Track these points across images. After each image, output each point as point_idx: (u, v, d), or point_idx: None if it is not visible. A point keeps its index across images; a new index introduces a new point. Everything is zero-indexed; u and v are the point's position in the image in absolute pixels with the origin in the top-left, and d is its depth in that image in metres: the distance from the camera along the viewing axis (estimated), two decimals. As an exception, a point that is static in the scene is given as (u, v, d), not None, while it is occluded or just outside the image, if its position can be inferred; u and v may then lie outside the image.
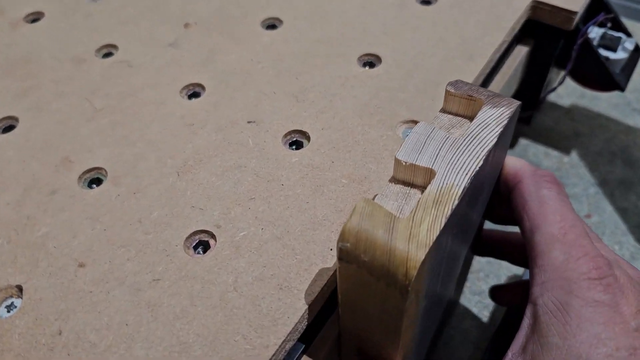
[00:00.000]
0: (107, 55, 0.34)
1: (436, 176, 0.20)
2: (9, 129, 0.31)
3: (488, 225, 0.31)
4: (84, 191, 0.27)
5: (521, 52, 0.38)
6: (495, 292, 0.33)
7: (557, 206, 0.23)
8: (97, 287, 0.24)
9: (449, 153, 0.21)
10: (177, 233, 0.25)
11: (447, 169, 0.20)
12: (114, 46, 0.35)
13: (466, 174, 0.20)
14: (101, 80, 0.32)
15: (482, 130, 0.22)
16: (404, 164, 0.21)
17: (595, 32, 0.40)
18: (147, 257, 0.25)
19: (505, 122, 0.22)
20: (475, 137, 0.21)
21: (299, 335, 0.23)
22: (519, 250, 0.30)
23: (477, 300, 0.38)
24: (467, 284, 0.39)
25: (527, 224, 0.24)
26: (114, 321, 0.23)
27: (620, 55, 0.40)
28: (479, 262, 0.40)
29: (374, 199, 0.21)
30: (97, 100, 0.31)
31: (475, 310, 0.38)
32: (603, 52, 0.40)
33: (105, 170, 0.28)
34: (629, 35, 0.40)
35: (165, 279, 0.24)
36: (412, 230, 0.19)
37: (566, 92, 0.50)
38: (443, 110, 0.24)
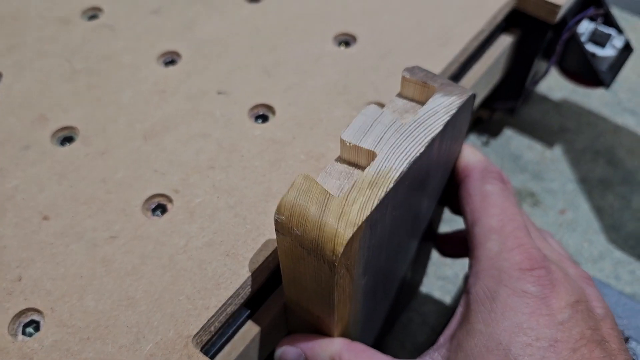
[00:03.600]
0: (92, 17, 0.35)
1: (376, 159, 0.21)
2: (-9, 83, 0.32)
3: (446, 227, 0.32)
4: (56, 148, 0.28)
5: (505, 41, 0.38)
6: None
7: (498, 200, 0.24)
8: (58, 239, 0.25)
9: (393, 137, 0.21)
10: (138, 194, 0.26)
11: (389, 152, 0.21)
12: (100, 9, 0.35)
13: (406, 159, 0.21)
14: (83, 43, 0.33)
15: (430, 117, 0.22)
16: (348, 144, 0.21)
17: (585, 27, 0.40)
18: (107, 215, 0.26)
19: (454, 111, 0.23)
20: (422, 123, 0.22)
21: (242, 300, 0.24)
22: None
23: (440, 284, 0.39)
24: (433, 268, 0.39)
25: (469, 217, 0.24)
26: (69, 272, 0.24)
27: (607, 52, 0.39)
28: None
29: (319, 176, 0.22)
30: (77, 61, 0.32)
31: (437, 294, 0.38)
32: (591, 48, 0.39)
33: (77, 129, 0.29)
34: (620, 32, 0.40)
35: (121, 237, 0.25)
36: (344, 208, 0.19)
37: (558, 85, 0.50)
38: (399, 95, 0.25)
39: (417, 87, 0.24)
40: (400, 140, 0.21)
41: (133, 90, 0.31)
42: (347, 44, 0.33)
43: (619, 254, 0.40)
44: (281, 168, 0.27)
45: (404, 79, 0.24)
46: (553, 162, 0.46)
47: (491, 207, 0.24)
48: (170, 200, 0.26)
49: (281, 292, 0.26)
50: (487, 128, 0.47)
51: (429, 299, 0.38)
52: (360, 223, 0.19)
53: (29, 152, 0.28)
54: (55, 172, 0.27)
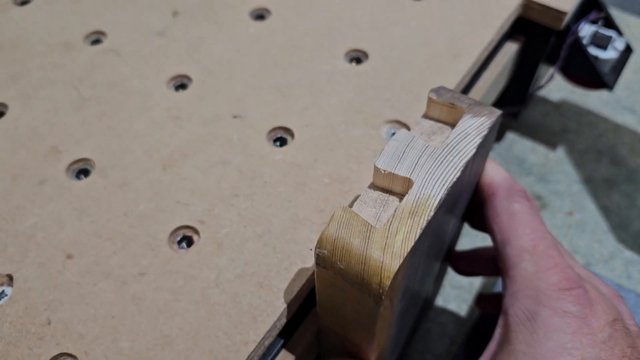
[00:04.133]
0: (96, 42, 0.34)
1: (413, 186, 0.21)
2: (-3, 115, 0.31)
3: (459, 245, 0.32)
4: (72, 182, 0.28)
5: (511, 49, 0.38)
6: (481, 301, 0.34)
7: (527, 219, 0.24)
8: (84, 278, 0.24)
9: (428, 163, 0.21)
10: (162, 227, 0.26)
11: (425, 179, 0.21)
12: (103, 33, 0.35)
13: (443, 185, 0.21)
14: (89, 69, 0.33)
15: (462, 140, 0.22)
16: (382, 172, 0.21)
17: (586, 30, 0.40)
18: (133, 250, 0.25)
19: (485, 132, 0.22)
20: (455, 147, 0.22)
21: (278, 331, 0.24)
22: (491, 263, 0.30)
23: (456, 294, 0.39)
24: (447, 278, 0.40)
25: (498, 237, 0.24)
26: (100, 313, 0.24)
27: (610, 54, 0.40)
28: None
29: (352, 204, 0.21)
30: (85, 89, 0.32)
31: (453, 304, 0.39)
32: (593, 51, 0.40)
33: (92, 162, 0.28)
34: (620, 34, 0.41)
35: (149, 273, 0.24)
36: (388, 240, 0.19)
37: (556, 87, 0.51)
38: (425, 116, 0.24)
39: (444, 108, 0.23)
40: (435, 166, 0.21)
41: (146, 117, 0.30)
42: (358, 60, 0.33)
43: (629, 254, 0.41)
44: (306, 193, 0.27)
45: (430, 100, 0.24)
46: (557, 163, 0.46)
47: (521, 227, 0.24)
48: (196, 231, 0.26)
49: (313, 319, 0.26)
50: (490, 132, 0.48)
51: (446, 309, 0.39)
52: (405, 254, 0.19)
53: (44, 187, 0.28)
54: (75, 208, 0.27)
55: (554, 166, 0.46)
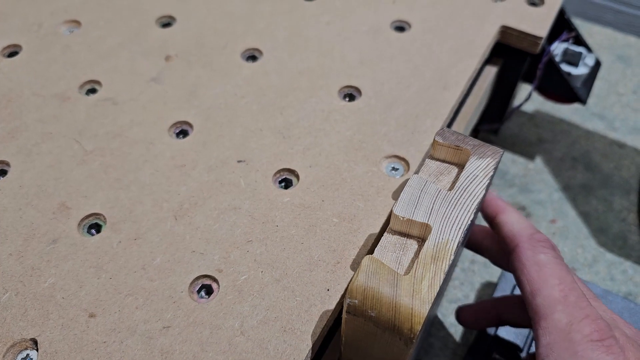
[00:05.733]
0: (91, 91, 0.35)
1: (432, 232, 0.22)
2: (0, 173, 0.31)
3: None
4: (85, 239, 0.28)
5: (490, 72, 0.40)
6: (460, 314, 0.35)
7: (555, 270, 0.25)
8: (109, 337, 0.25)
9: (442, 207, 0.23)
10: (181, 279, 0.27)
11: (442, 223, 0.22)
12: (97, 82, 0.35)
13: (459, 228, 0.22)
14: (88, 120, 0.33)
15: (471, 182, 0.24)
16: (401, 219, 0.23)
17: (557, 47, 0.43)
18: (155, 304, 0.26)
19: (492, 173, 0.24)
20: (465, 190, 0.23)
21: (303, 372, 0.25)
22: (497, 250, 0.32)
23: (453, 307, 0.41)
24: (444, 292, 0.41)
25: (527, 288, 0.26)
26: (127, 369, 0.24)
27: (581, 70, 0.42)
28: (454, 270, 0.42)
29: (372, 249, 0.23)
30: (86, 141, 0.32)
31: (452, 318, 0.40)
32: (565, 68, 0.42)
33: (103, 216, 0.29)
34: (589, 50, 0.43)
35: (174, 326, 0.25)
36: (415, 286, 0.21)
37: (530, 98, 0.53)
38: (431, 157, 0.26)
39: (450, 150, 0.25)
40: (449, 210, 0.23)
41: (151, 167, 0.31)
42: (351, 97, 0.34)
43: (610, 256, 0.43)
44: (317, 234, 0.28)
45: (436, 143, 0.25)
46: (537, 173, 0.48)
47: (550, 278, 0.25)
48: (214, 280, 0.27)
49: (331, 355, 0.27)
50: (472, 146, 0.50)
51: (446, 323, 0.40)
52: (432, 299, 0.20)
53: (58, 246, 0.28)
54: (91, 265, 0.27)
55: (534, 176, 0.48)
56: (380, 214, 0.28)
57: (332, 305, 0.25)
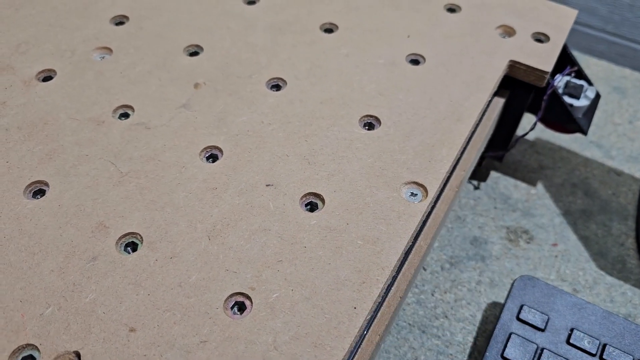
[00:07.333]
0: (124, 115, 0.36)
1: None
2: (38, 193, 0.32)
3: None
4: (123, 257, 0.30)
5: (498, 103, 0.42)
6: None
7: None
8: (150, 350, 0.27)
9: None
10: (216, 296, 0.28)
11: None
12: (130, 107, 0.37)
13: None
14: (122, 143, 0.35)
15: None
16: None
17: (559, 80, 0.45)
18: (192, 320, 0.27)
19: None
20: None
21: (332, 385, 0.27)
22: None
23: (461, 326, 0.43)
24: (451, 312, 0.43)
25: None
26: (166, 381, 0.26)
27: (582, 102, 0.45)
28: (460, 290, 0.44)
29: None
30: (121, 163, 0.34)
31: (460, 336, 0.42)
32: (567, 100, 0.45)
33: (140, 235, 0.31)
34: (590, 83, 0.46)
35: (211, 341, 0.27)
36: None
37: (530, 125, 0.56)
38: None
39: None
40: None
41: (184, 189, 0.32)
42: (371, 126, 0.36)
43: (609, 279, 0.45)
44: (343, 255, 0.30)
45: None
46: (539, 198, 0.51)
47: None
48: (248, 297, 0.28)
49: (355, 368, 0.29)
50: (477, 173, 0.52)
51: (454, 341, 0.42)
52: None
53: (98, 264, 0.29)
54: (130, 282, 0.29)
55: (536, 201, 0.50)
56: (402, 237, 0.30)
57: (359, 322, 0.27)
